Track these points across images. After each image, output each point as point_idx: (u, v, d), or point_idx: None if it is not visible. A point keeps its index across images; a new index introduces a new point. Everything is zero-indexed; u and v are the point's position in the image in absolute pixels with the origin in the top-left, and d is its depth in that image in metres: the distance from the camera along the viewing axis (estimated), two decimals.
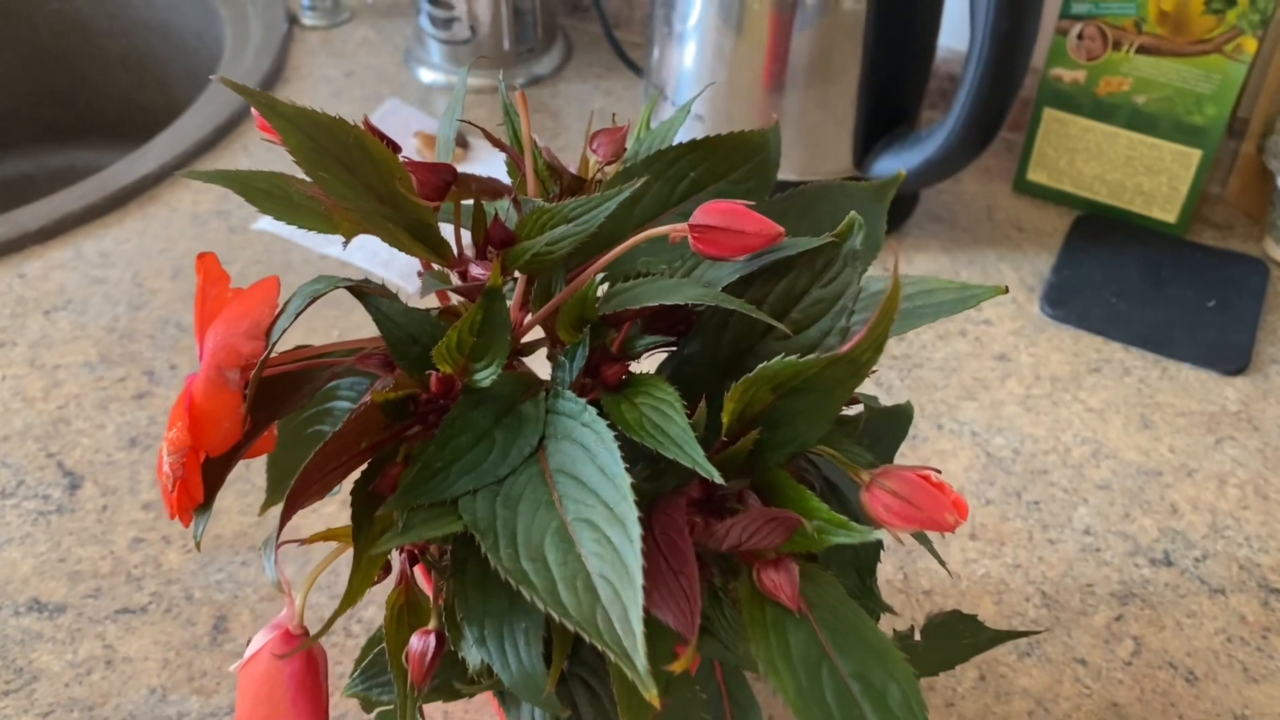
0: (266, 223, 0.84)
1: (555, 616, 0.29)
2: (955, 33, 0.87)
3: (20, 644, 0.58)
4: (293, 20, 1.05)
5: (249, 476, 0.67)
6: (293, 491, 0.31)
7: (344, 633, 0.59)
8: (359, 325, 0.75)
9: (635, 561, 0.29)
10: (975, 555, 0.63)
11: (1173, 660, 0.58)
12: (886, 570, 0.62)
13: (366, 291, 0.36)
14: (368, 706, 0.41)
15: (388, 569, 0.37)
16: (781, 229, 0.34)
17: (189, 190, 0.87)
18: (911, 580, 0.62)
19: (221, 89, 0.95)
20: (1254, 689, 0.57)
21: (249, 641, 0.37)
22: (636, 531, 0.29)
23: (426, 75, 0.99)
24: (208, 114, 0.93)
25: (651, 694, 0.27)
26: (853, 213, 0.35)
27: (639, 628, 0.28)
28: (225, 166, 0.89)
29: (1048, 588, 0.62)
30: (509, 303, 0.40)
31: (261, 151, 0.90)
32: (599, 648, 0.28)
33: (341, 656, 0.58)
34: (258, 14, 1.05)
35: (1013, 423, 0.70)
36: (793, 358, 0.31)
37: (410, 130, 0.93)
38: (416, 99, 0.97)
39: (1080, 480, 0.67)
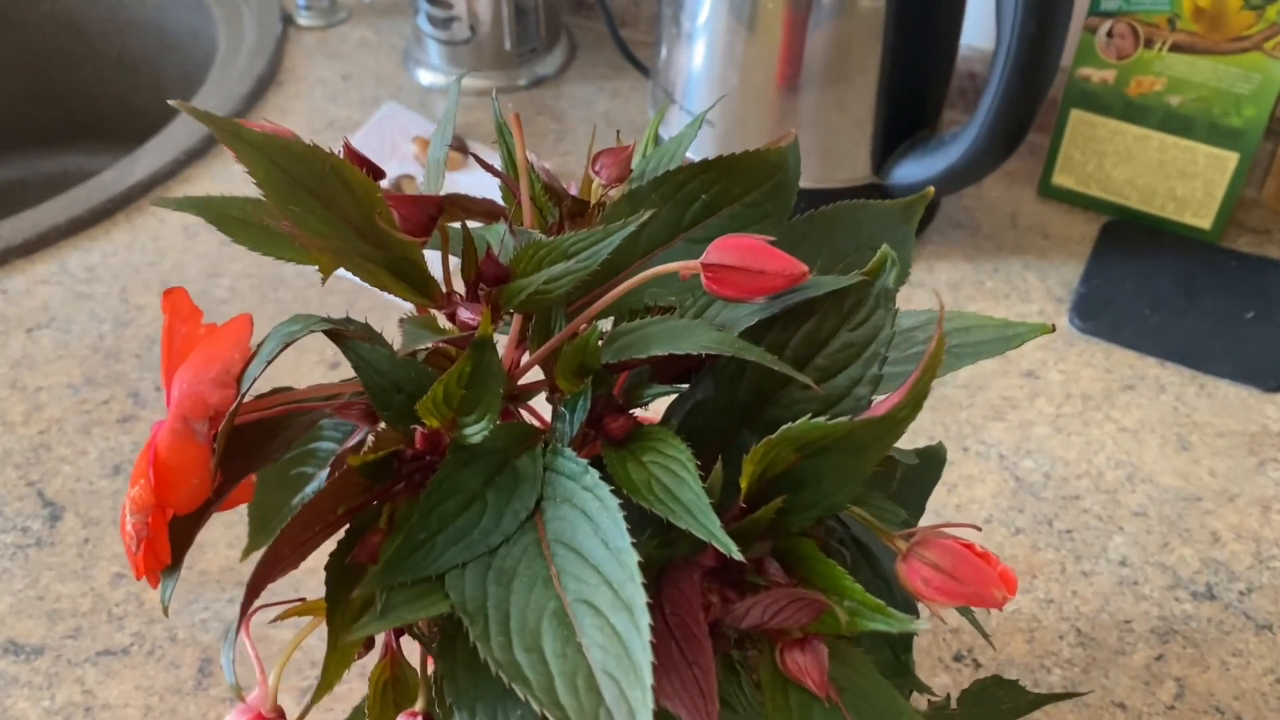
0: None
1: None
2: (975, 29, 0.83)
3: None
4: (288, 20, 1.02)
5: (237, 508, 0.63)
6: (256, 575, 0.28)
7: None
8: None
9: (644, 656, 0.25)
10: None
11: (1219, 704, 0.55)
12: None
13: (345, 335, 0.33)
14: None
15: (371, 643, 0.34)
16: (805, 268, 0.30)
17: None
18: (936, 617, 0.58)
19: (212, 94, 0.92)
20: None
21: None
22: (645, 620, 0.26)
23: (425, 77, 0.96)
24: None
25: None
26: (885, 247, 0.31)
27: None
28: (216, 175, 0.85)
29: (1082, 624, 0.58)
30: (504, 342, 0.36)
31: None
32: None
33: (333, 703, 0.55)
34: (252, 14, 1.01)
35: (1042, 445, 0.67)
36: (820, 419, 0.28)
37: (409, 135, 0.89)
38: (415, 102, 0.93)
39: (1115, 507, 0.63)
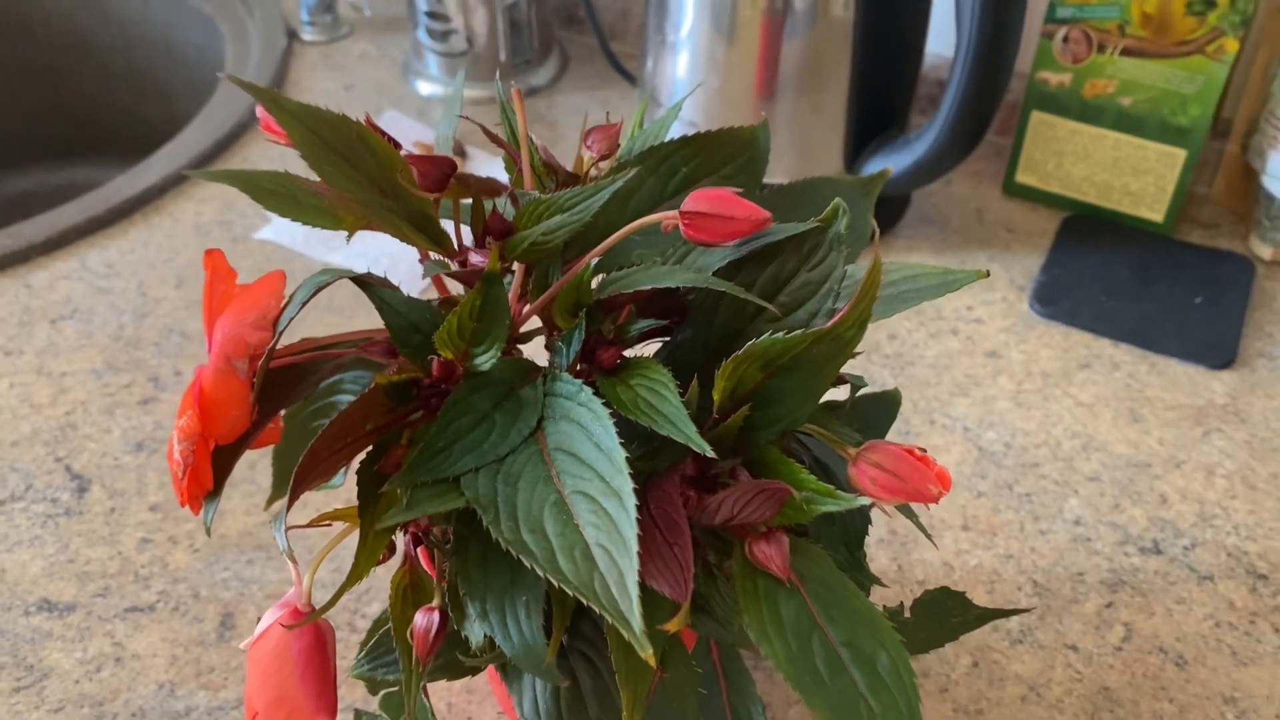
0: (268, 232, 0.86)
1: (555, 583, 0.30)
2: (944, 38, 0.89)
3: (31, 642, 0.60)
4: (292, 35, 1.07)
5: (254, 478, 0.68)
6: (300, 468, 0.33)
7: (348, 628, 0.60)
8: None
9: (631, 530, 0.30)
10: (968, 546, 0.64)
11: (1163, 645, 0.59)
12: (880, 561, 0.63)
13: (370, 283, 0.38)
14: (373, 688, 0.42)
15: (393, 550, 0.38)
16: (769, 214, 0.35)
17: (191, 201, 0.88)
18: (906, 571, 0.63)
19: (223, 102, 0.97)
20: (1242, 672, 0.58)
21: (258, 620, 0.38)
22: (632, 502, 0.31)
23: (424, 88, 1.01)
24: (209, 128, 0.94)
25: (648, 653, 0.28)
26: (837, 199, 0.36)
27: (635, 591, 0.29)
28: None
29: (1039, 576, 0.63)
30: (508, 291, 0.41)
31: (263, 163, 0.92)
32: (597, 610, 0.29)
33: (350, 649, 0.59)
34: (257, 29, 1.07)
35: (1004, 418, 0.72)
36: (780, 333, 0.33)
37: (409, 141, 0.94)
38: (415, 111, 0.98)
39: (1071, 472, 0.68)
